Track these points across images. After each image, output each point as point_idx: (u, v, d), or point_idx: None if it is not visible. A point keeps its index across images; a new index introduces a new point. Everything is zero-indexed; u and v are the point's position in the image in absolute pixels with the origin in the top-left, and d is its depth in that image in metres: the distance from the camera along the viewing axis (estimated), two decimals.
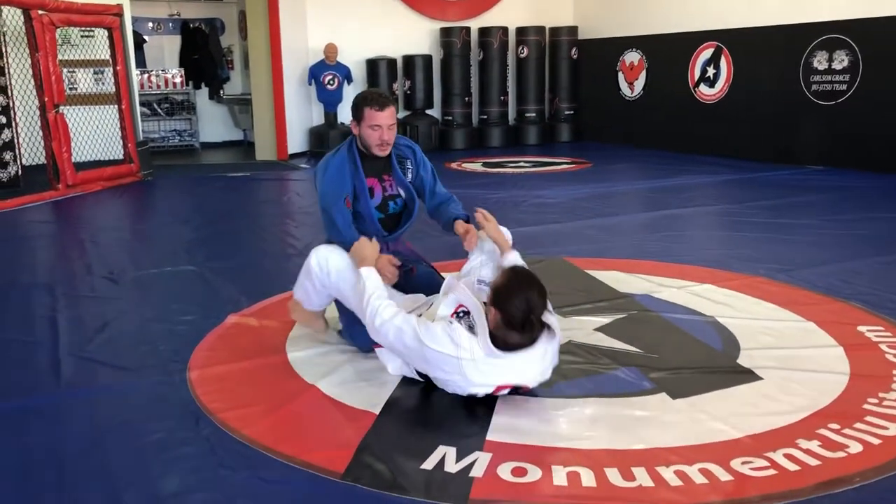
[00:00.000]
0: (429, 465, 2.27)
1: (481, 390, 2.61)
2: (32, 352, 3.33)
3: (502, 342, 2.54)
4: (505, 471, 2.23)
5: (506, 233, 3.13)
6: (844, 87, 7.89)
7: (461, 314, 2.67)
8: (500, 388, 2.63)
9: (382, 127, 3.09)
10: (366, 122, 3.11)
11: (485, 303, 2.66)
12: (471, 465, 2.26)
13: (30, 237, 5.91)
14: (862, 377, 2.84)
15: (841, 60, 7.88)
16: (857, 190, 6.89)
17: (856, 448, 2.33)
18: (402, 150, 3.30)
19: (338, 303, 3.29)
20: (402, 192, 3.29)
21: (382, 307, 2.69)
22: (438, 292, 2.91)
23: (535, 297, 2.52)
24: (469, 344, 2.52)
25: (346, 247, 3.02)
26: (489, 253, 3.13)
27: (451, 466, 2.26)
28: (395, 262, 3.00)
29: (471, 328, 2.57)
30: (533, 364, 2.61)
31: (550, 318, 2.65)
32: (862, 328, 3.33)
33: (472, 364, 2.52)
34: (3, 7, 7.25)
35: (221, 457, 2.36)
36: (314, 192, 3.35)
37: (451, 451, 2.34)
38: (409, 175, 3.30)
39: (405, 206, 3.32)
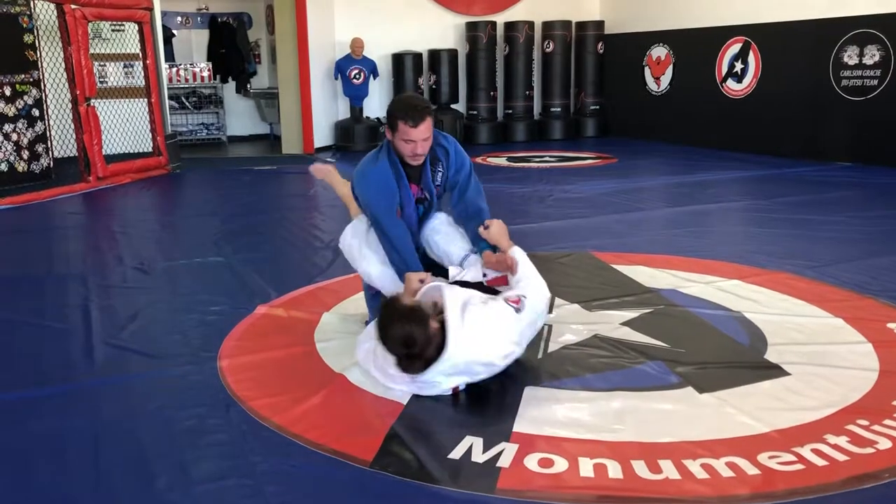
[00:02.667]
0: (456, 454, 2.30)
1: (434, 391, 2.68)
2: (67, 340, 3.40)
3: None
4: (532, 462, 2.25)
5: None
6: (875, 82, 7.78)
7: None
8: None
9: (416, 142, 2.94)
10: (399, 135, 2.94)
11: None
12: (498, 456, 2.28)
13: (62, 228, 6.01)
14: (891, 374, 2.82)
15: (872, 55, 7.78)
16: (886, 186, 6.80)
17: (885, 444, 2.32)
18: (437, 152, 3.11)
19: (366, 295, 3.33)
20: (426, 196, 3.17)
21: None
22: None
23: (387, 338, 2.57)
24: (395, 376, 2.69)
25: (400, 269, 3.04)
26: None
27: (478, 456, 2.28)
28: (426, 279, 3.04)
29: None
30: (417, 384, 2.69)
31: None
32: (891, 325, 3.31)
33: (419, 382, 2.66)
34: (36, 2, 7.36)
35: (252, 444, 2.40)
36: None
37: (478, 442, 2.36)
38: (439, 178, 3.14)
39: (429, 208, 3.23)
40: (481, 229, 3.02)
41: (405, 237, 3.05)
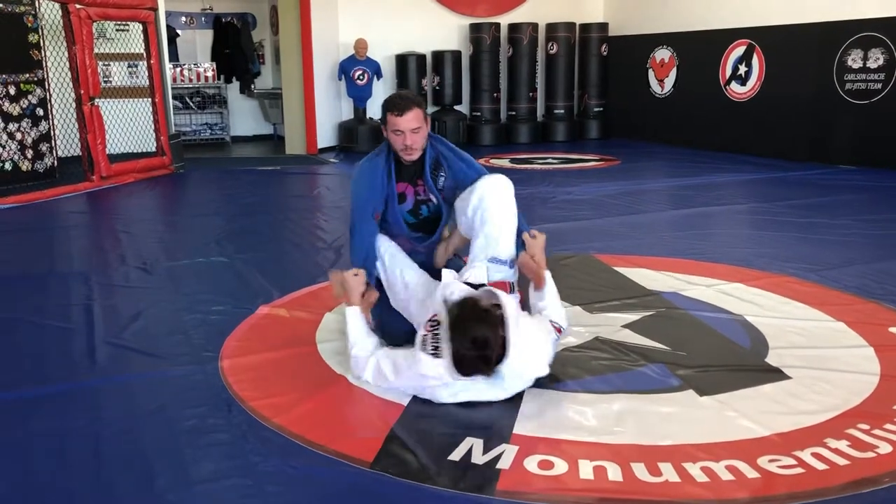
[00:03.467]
0: (456, 456, 2.30)
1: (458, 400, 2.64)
2: (69, 339, 3.41)
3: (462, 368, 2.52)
4: (532, 463, 2.25)
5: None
6: (879, 85, 7.78)
7: (433, 323, 2.66)
8: None
9: (405, 132, 2.98)
10: (389, 126, 3.02)
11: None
12: (498, 458, 2.29)
13: (65, 227, 6.02)
14: (893, 378, 2.82)
15: (876, 59, 7.77)
16: (890, 190, 6.79)
17: (885, 448, 2.32)
18: (439, 159, 3.13)
19: None
20: (433, 199, 3.18)
21: (360, 358, 2.80)
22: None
23: (466, 341, 2.46)
24: (434, 371, 2.55)
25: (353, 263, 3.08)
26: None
27: (479, 458, 2.29)
28: (372, 301, 3.03)
29: (435, 347, 2.57)
30: (496, 385, 2.62)
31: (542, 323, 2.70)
32: (893, 329, 3.30)
33: (442, 388, 2.60)
34: (41, 1, 7.38)
35: (253, 444, 2.41)
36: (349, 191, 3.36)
37: (478, 443, 2.36)
38: (441, 182, 3.14)
39: (439, 211, 3.21)
40: (526, 235, 3.00)
41: (366, 238, 3.11)
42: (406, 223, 3.21)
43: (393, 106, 3.01)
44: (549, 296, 2.94)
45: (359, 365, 2.81)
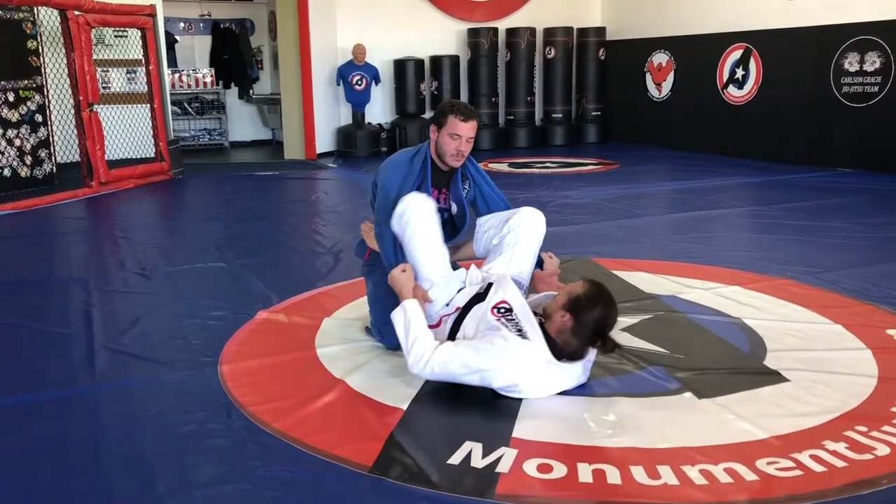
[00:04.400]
0: (455, 459, 2.30)
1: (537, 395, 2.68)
2: (68, 344, 3.41)
3: (561, 349, 2.63)
4: (530, 467, 2.26)
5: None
6: (876, 88, 7.80)
7: (501, 310, 2.71)
8: None
9: (462, 138, 3.08)
10: (447, 128, 3.08)
11: (537, 313, 2.72)
12: (497, 461, 2.29)
13: (64, 233, 6.03)
14: (890, 380, 2.82)
15: (873, 62, 7.80)
16: (887, 193, 6.81)
17: (883, 450, 2.33)
18: (468, 168, 3.28)
19: (369, 300, 3.34)
20: (454, 208, 3.27)
21: (426, 351, 2.67)
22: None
23: (613, 313, 2.62)
24: (525, 352, 2.59)
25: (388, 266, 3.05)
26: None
27: (478, 462, 2.29)
28: (428, 299, 2.96)
29: (519, 329, 2.63)
30: (575, 373, 2.71)
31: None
32: (891, 331, 3.31)
33: (530, 373, 2.61)
34: (39, 7, 7.39)
35: (252, 449, 2.41)
36: (367, 186, 3.35)
37: (477, 447, 2.37)
38: (463, 193, 3.26)
39: (451, 221, 3.28)
40: (544, 255, 3.18)
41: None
42: None
43: (459, 111, 3.09)
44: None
45: (422, 359, 2.66)
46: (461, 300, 2.91)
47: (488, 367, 2.60)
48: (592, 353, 2.76)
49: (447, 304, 2.94)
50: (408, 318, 2.77)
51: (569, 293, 2.65)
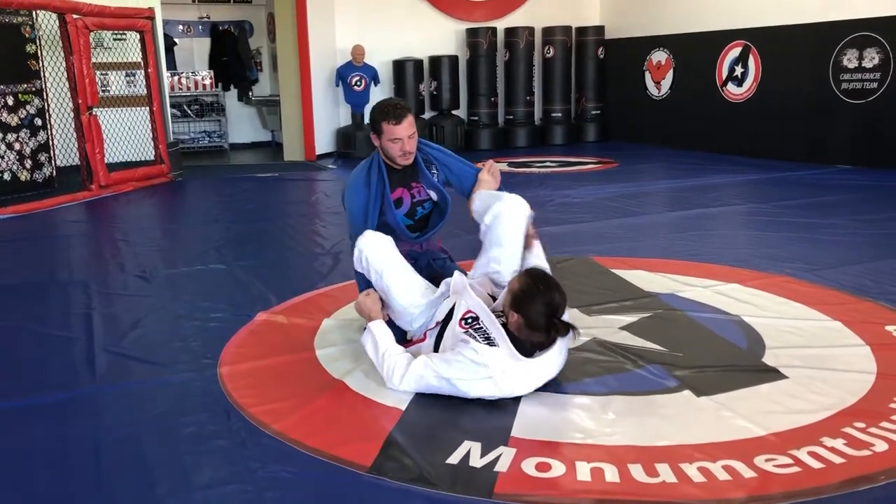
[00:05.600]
0: (454, 459, 2.31)
1: (520, 394, 2.68)
2: (69, 347, 3.42)
3: (527, 345, 2.62)
4: (529, 466, 2.26)
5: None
6: (875, 85, 7.80)
7: (469, 320, 2.71)
8: None
9: (402, 139, 3.08)
10: (385, 135, 3.09)
11: (499, 312, 2.72)
12: (495, 460, 2.29)
13: (65, 236, 6.04)
14: (889, 376, 2.83)
15: (871, 58, 7.79)
16: (886, 189, 6.81)
17: (881, 447, 2.33)
18: (427, 153, 3.30)
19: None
20: (432, 195, 3.29)
21: (397, 364, 2.76)
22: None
23: (556, 297, 2.60)
24: (494, 358, 2.59)
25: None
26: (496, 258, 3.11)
27: (476, 461, 2.30)
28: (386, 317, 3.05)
29: (487, 337, 2.63)
30: (554, 361, 2.70)
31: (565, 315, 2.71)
32: (890, 328, 3.31)
33: (504, 377, 2.60)
34: (39, 12, 7.40)
35: (252, 450, 2.42)
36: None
37: (475, 447, 2.37)
38: (436, 175, 3.30)
39: (435, 207, 3.33)
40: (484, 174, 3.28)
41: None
42: (405, 226, 3.29)
43: (389, 115, 3.08)
44: (536, 257, 3.15)
45: (396, 373, 2.75)
46: (441, 314, 2.93)
47: (461, 377, 2.63)
48: (561, 339, 2.72)
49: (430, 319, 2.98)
50: (375, 338, 2.86)
51: (510, 291, 2.67)
